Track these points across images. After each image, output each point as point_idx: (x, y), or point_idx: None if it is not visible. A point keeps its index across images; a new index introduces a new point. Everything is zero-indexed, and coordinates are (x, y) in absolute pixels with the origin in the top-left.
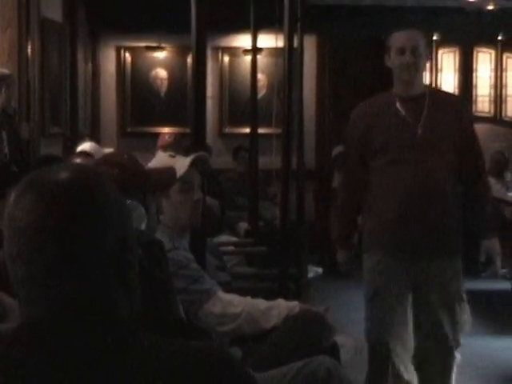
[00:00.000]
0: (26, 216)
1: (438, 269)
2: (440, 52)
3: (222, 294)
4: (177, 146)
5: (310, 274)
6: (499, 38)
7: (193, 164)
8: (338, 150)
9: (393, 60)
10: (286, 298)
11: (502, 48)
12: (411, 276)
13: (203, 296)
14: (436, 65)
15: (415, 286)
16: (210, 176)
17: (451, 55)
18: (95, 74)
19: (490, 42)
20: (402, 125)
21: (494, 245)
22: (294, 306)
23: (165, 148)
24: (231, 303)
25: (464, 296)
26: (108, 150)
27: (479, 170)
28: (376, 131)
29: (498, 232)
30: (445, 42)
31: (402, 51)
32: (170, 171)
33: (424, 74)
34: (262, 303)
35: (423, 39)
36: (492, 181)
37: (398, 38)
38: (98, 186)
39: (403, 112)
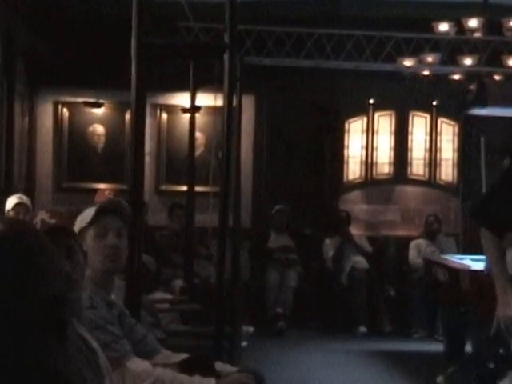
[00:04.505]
0: None
1: None
2: (376, 115)
3: (132, 365)
4: None
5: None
6: (434, 103)
7: (102, 210)
8: (276, 208)
9: None
10: (221, 356)
11: (437, 113)
12: None
13: (110, 364)
14: (372, 127)
15: None
16: (146, 232)
17: (387, 118)
18: (32, 129)
19: (425, 106)
20: None
21: None
22: (209, 382)
23: None
24: (139, 377)
25: None
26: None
27: None
28: None
29: None
30: (381, 105)
31: None
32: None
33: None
34: (175, 378)
35: None
36: (426, 243)
37: None
38: (32, 239)
39: None
